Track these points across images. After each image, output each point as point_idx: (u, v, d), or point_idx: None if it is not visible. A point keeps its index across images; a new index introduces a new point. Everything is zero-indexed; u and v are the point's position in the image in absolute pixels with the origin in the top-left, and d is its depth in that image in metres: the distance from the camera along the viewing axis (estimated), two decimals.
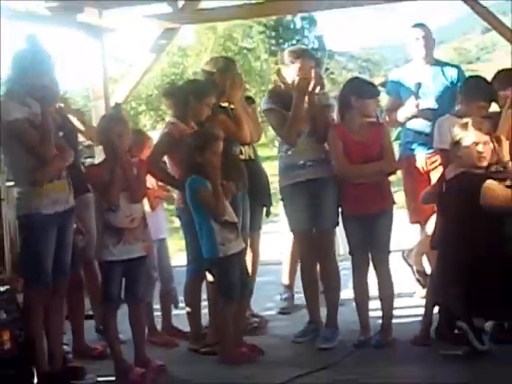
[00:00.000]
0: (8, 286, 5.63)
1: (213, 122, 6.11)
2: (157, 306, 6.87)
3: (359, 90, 6.13)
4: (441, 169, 6.21)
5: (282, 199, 6.54)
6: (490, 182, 5.49)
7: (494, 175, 5.61)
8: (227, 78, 6.38)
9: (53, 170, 5.41)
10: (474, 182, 5.55)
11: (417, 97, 6.73)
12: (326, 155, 6.26)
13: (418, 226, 7.11)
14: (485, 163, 5.63)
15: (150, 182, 6.38)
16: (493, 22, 8.47)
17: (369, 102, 6.09)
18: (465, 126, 5.69)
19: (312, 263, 6.50)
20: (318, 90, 6.25)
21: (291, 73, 6.28)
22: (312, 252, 6.46)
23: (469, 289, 5.48)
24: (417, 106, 6.71)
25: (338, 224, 6.43)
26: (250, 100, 6.84)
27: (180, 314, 6.84)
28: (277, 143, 6.48)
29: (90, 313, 6.77)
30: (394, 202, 6.23)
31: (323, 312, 6.50)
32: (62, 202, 5.47)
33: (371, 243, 6.12)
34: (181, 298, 6.77)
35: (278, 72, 6.51)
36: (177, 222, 6.57)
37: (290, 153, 6.29)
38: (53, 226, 5.41)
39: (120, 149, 5.60)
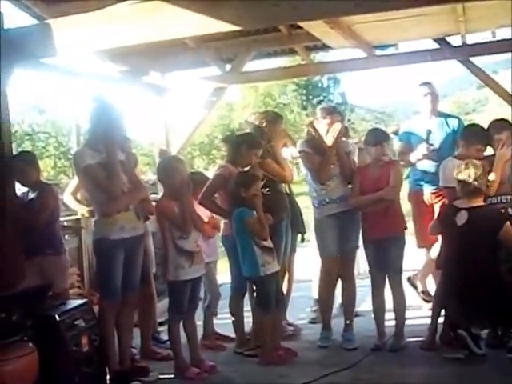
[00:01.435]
0: (86, 300, 5.67)
1: (260, 164, 6.15)
2: None
3: (367, 139, 6.31)
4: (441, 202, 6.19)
5: (315, 228, 6.49)
6: (508, 225, 5.46)
7: (499, 205, 5.76)
8: (275, 129, 6.43)
9: (119, 204, 5.39)
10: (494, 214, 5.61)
11: (428, 141, 6.72)
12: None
13: (423, 250, 7.02)
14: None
15: (206, 214, 6.29)
16: (486, 79, 8.48)
17: (372, 149, 6.18)
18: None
19: (334, 282, 6.48)
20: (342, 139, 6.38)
21: (322, 126, 6.32)
22: (334, 272, 6.44)
23: (468, 303, 5.44)
24: (427, 148, 6.69)
25: (358, 247, 6.43)
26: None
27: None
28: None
29: None
30: (405, 228, 6.19)
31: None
32: (128, 229, 5.43)
33: (386, 264, 6.08)
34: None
35: (311, 124, 6.51)
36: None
37: (324, 191, 6.28)
38: (120, 250, 5.38)
39: (185, 184, 5.63)
